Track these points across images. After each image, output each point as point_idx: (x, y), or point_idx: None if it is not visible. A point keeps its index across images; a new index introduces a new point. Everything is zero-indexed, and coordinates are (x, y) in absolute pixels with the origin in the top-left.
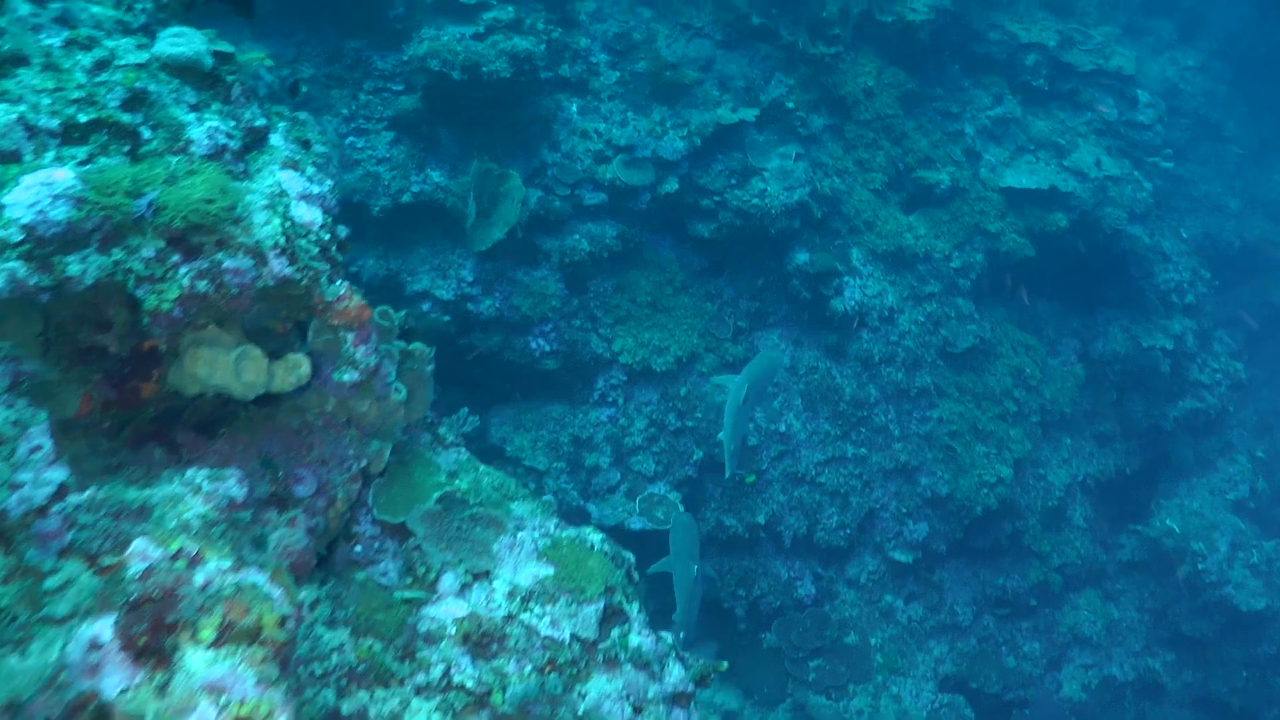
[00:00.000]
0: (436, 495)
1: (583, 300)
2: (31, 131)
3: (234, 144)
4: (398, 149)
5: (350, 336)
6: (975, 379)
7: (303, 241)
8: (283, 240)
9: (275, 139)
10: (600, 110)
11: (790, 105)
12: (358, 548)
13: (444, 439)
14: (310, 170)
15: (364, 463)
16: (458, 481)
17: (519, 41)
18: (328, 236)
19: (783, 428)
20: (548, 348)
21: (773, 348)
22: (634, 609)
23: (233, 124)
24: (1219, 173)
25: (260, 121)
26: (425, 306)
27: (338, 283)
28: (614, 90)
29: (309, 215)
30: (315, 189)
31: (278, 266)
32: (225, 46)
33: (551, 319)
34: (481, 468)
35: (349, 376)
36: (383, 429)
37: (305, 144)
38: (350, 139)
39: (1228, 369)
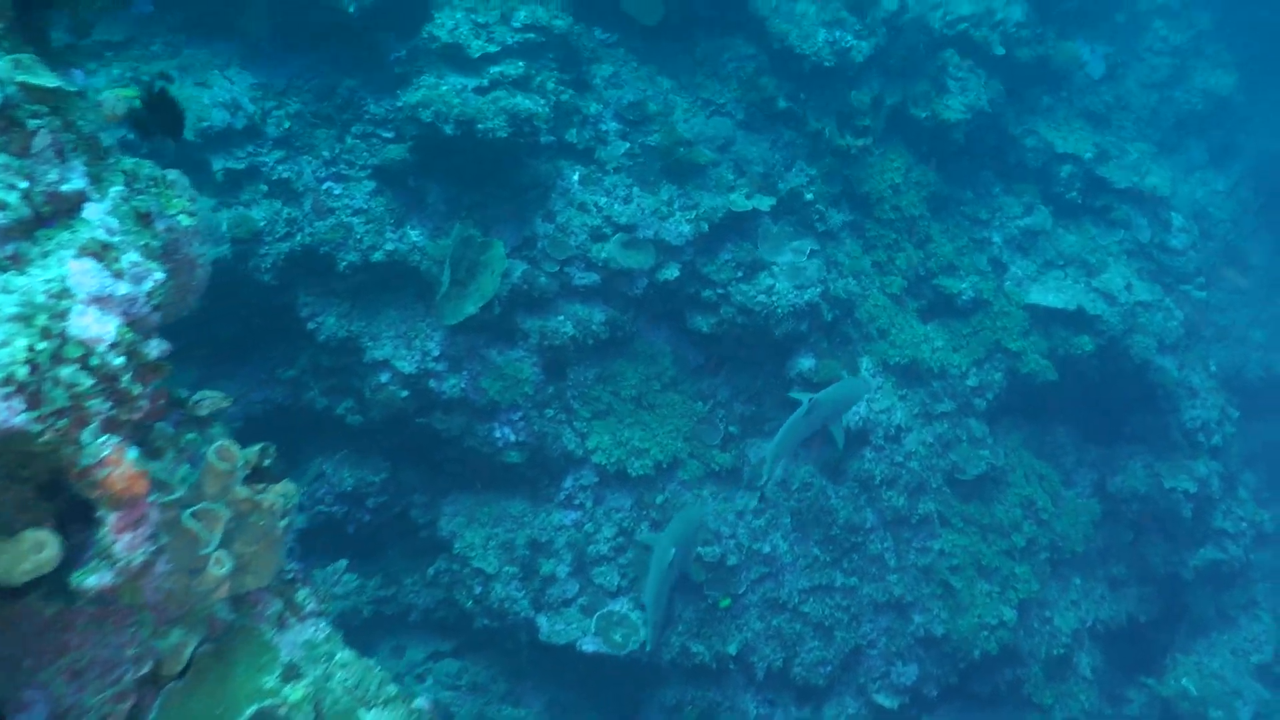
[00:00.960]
0: (251, 712)
1: (559, 388)
2: None
3: (7, 216)
4: (377, 201)
5: (111, 519)
6: (983, 508)
7: (66, 371)
8: (22, 372)
9: (94, 210)
10: (604, 183)
11: (809, 197)
12: None
13: (300, 607)
14: (128, 259)
15: (149, 665)
16: (292, 688)
17: (521, 100)
18: (121, 361)
19: (767, 548)
20: (514, 438)
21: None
22: None
23: (23, 187)
24: (1245, 302)
25: (74, 184)
26: (383, 377)
27: (102, 440)
28: (621, 162)
29: (97, 328)
30: (123, 289)
31: (3, 413)
32: (45, 78)
33: (522, 406)
34: (340, 654)
35: (95, 580)
36: (190, 613)
37: (145, 218)
38: (328, 184)
39: (1253, 518)
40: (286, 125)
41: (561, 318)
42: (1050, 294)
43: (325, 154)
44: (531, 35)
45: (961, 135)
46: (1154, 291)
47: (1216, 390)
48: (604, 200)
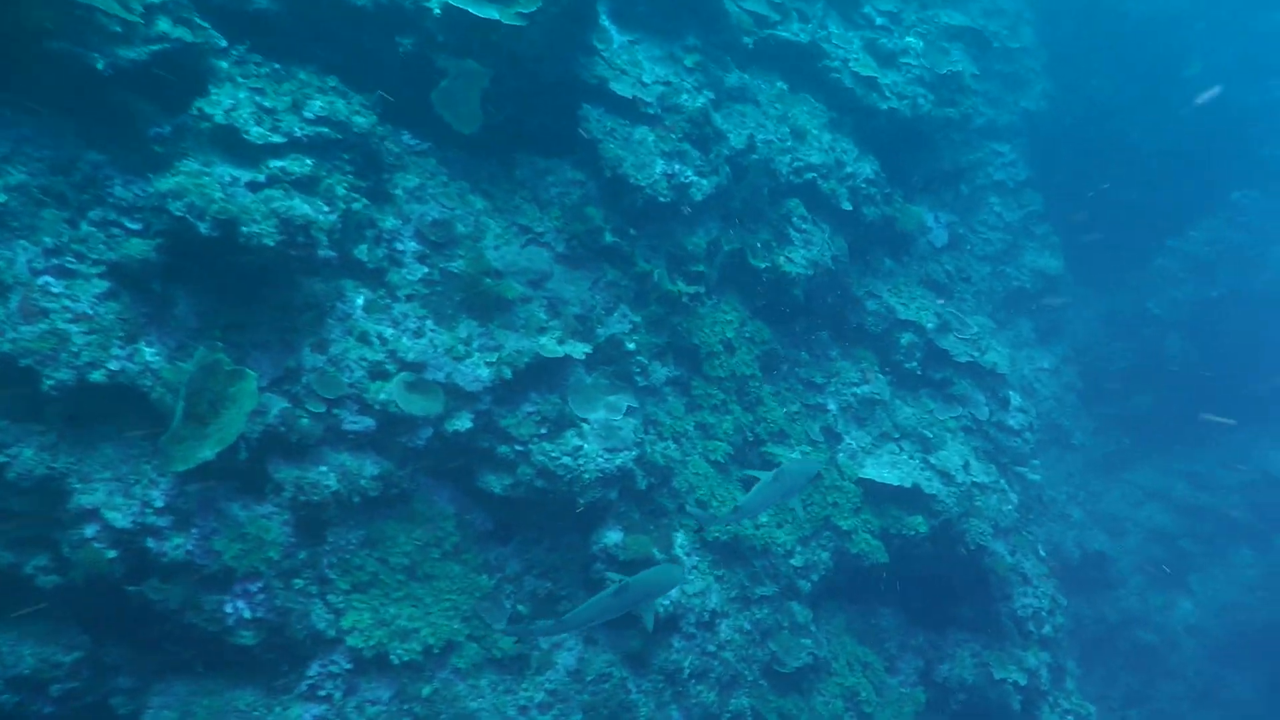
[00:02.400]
0: None
1: (314, 554)
2: None
3: None
4: (108, 306)
5: None
6: (801, 702)
7: None
8: None
9: None
10: (393, 311)
11: (631, 346)
12: None
13: None
14: None
15: None
16: None
17: (299, 204)
18: None
19: None
20: (248, 614)
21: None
22: None
23: None
24: (1065, 479)
25: None
26: (89, 530)
27: None
28: (416, 289)
29: None
30: None
31: None
32: None
33: (264, 575)
34: None
35: None
36: None
37: None
38: (46, 279)
39: (1079, 711)
40: (2, 199)
41: (324, 469)
42: (885, 469)
43: (48, 241)
44: (326, 130)
45: (802, 291)
46: (990, 472)
47: (1047, 576)
48: (390, 332)
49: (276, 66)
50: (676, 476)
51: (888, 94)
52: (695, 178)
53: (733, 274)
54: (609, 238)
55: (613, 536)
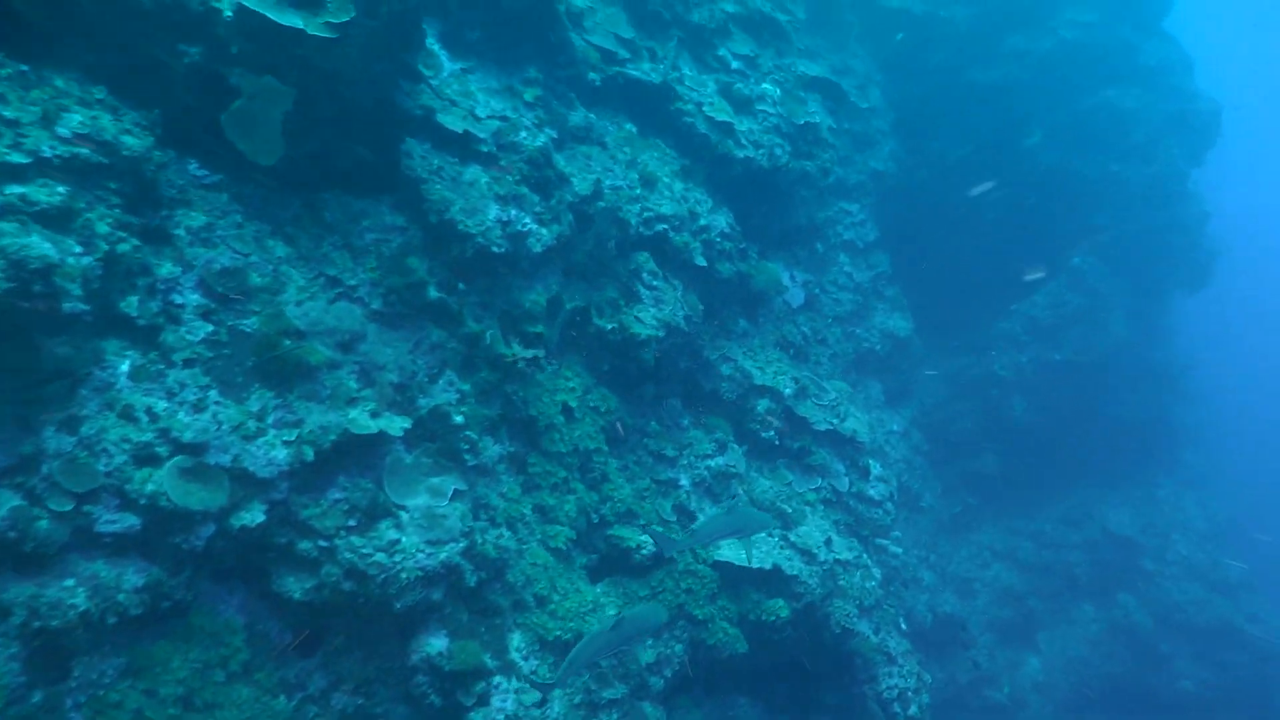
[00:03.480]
0: None
1: (54, 694)
2: None
3: None
4: None
5: None
6: None
7: None
8: None
9: None
10: (167, 379)
11: (459, 419)
12: None
13: None
14: None
15: None
16: None
17: (38, 242)
18: None
19: None
20: None
21: None
22: None
23: None
24: (915, 543)
25: None
26: None
27: None
28: (198, 352)
29: None
30: None
31: None
32: None
33: None
34: None
35: None
36: None
37: None
38: None
39: None
40: None
41: (70, 582)
42: (741, 552)
43: None
44: (86, 151)
45: (652, 354)
46: (853, 547)
47: (911, 653)
48: (163, 405)
49: (24, 68)
50: (512, 569)
51: (744, 142)
52: (534, 226)
53: (576, 335)
54: (434, 293)
55: (436, 644)
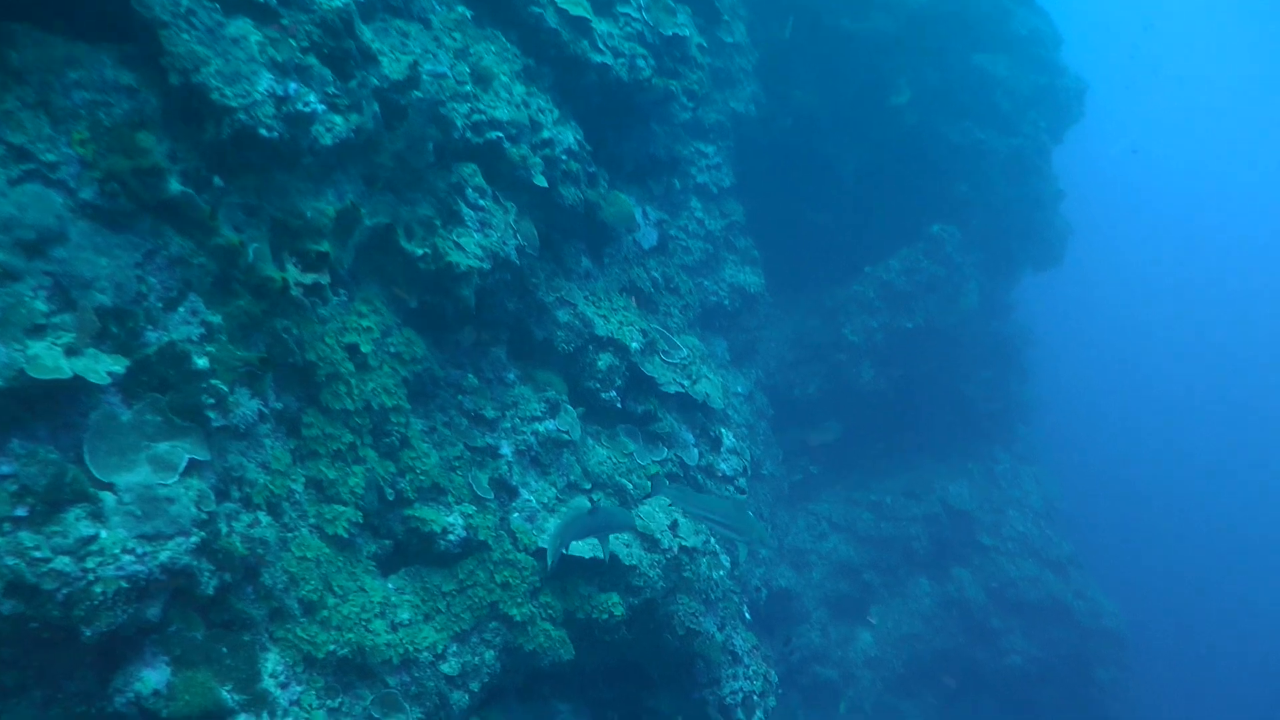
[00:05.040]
0: None
1: None
2: None
3: None
4: None
5: None
6: None
7: None
8: None
9: None
10: None
11: (202, 363)
12: None
13: None
14: None
15: None
16: None
17: None
18: None
19: None
20: None
21: None
22: None
23: None
24: (754, 513)
25: None
26: None
27: None
28: None
29: None
30: None
31: None
32: None
33: None
34: None
35: None
36: None
37: None
38: None
39: None
40: None
41: None
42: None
43: None
44: None
45: (473, 291)
46: (701, 531)
47: (756, 649)
48: None
49: None
50: (271, 567)
51: (601, 46)
52: (324, 110)
53: (376, 260)
54: (176, 186)
55: (152, 677)
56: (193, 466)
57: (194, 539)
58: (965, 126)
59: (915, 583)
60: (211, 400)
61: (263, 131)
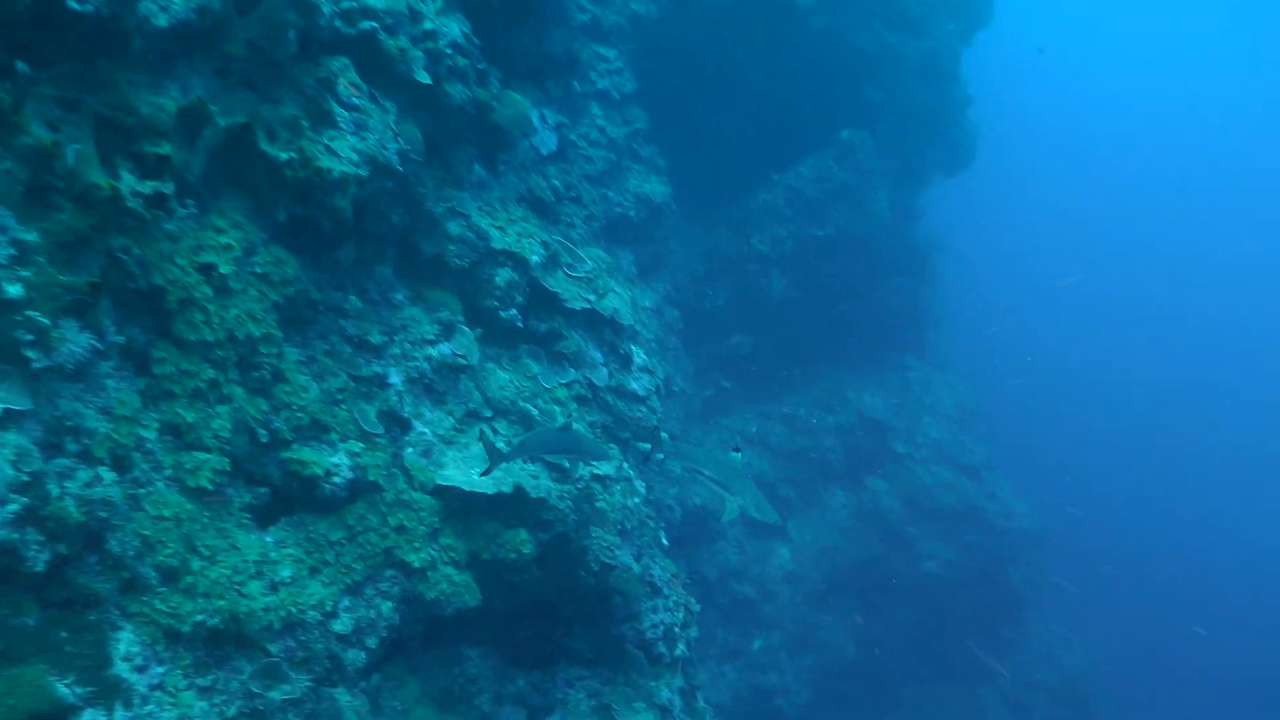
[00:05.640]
0: None
1: None
2: None
3: None
4: None
5: None
6: None
7: None
8: None
9: None
10: None
11: (15, 292)
12: None
13: None
14: None
15: None
16: None
17: None
18: None
19: None
20: None
21: None
22: None
23: None
24: (668, 432)
25: None
26: None
27: None
28: None
29: None
30: None
31: None
32: None
33: None
34: None
35: None
36: None
37: None
38: None
39: None
40: None
41: None
42: (475, 469)
43: None
44: None
45: (349, 202)
46: (613, 456)
47: (676, 578)
48: None
49: None
50: (119, 531)
51: None
52: None
53: (234, 168)
54: None
55: None
56: (9, 418)
57: (12, 507)
58: (875, 29)
59: (831, 494)
60: (29, 336)
61: (73, 4)
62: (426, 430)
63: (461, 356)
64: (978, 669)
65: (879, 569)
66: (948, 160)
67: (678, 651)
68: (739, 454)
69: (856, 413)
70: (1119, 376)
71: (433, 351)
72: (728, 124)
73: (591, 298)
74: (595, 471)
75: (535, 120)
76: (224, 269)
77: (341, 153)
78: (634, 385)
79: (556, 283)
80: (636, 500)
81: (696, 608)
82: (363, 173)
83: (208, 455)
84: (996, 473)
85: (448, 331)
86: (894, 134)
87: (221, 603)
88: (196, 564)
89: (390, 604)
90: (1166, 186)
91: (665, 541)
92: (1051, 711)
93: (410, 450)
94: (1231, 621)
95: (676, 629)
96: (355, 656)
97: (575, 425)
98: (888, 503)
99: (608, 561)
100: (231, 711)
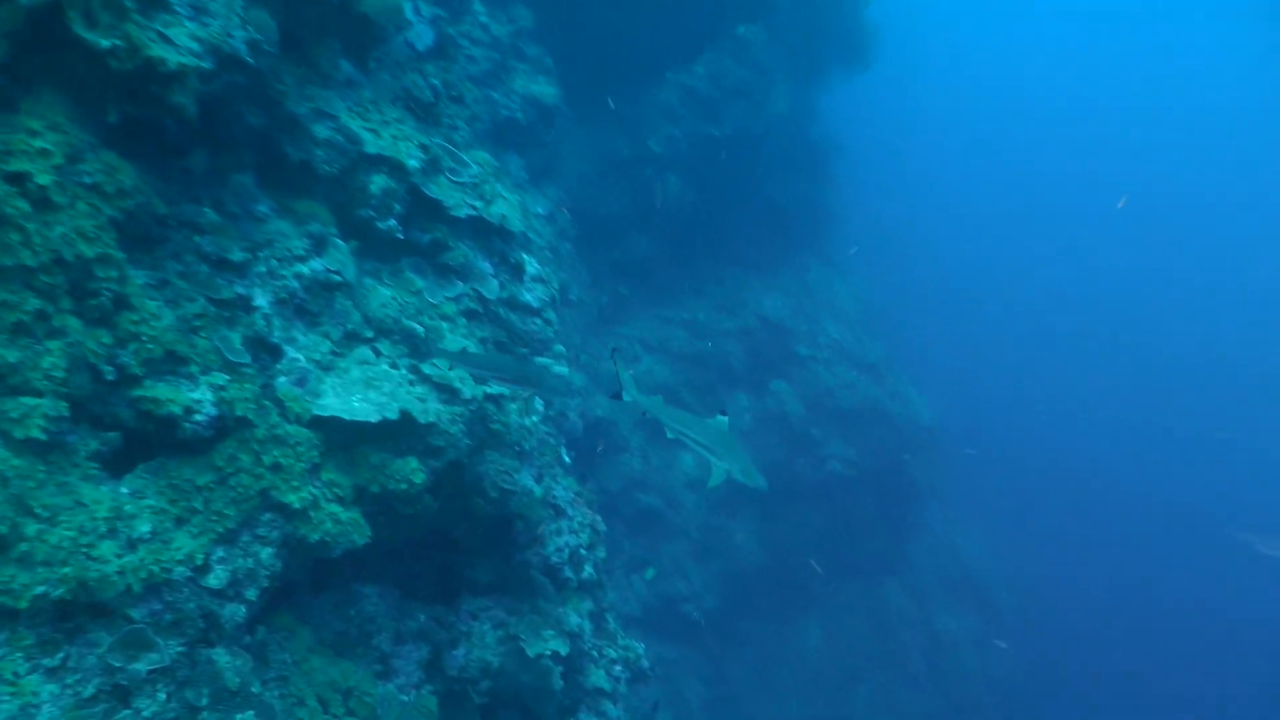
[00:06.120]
0: None
1: None
2: None
3: None
4: None
5: None
6: None
7: None
8: None
9: None
10: None
11: None
12: None
13: None
14: None
15: None
16: None
17: None
18: None
19: None
20: None
21: None
22: None
23: None
24: (565, 342)
25: None
26: None
27: None
28: None
29: None
30: None
31: None
32: None
33: None
34: None
35: None
36: None
37: None
38: None
39: (628, 654)
40: None
41: None
42: (356, 395)
43: None
44: None
45: (191, 99)
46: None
47: (579, 497)
48: None
49: None
50: None
51: None
52: None
53: (47, 58)
54: None
55: None
56: None
57: None
58: None
59: (734, 399)
60: None
61: None
62: (300, 356)
63: (336, 273)
64: (881, 563)
65: (784, 472)
66: (846, 56)
67: (585, 575)
68: (726, 417)
69: (757, 315)
70: (1025, 269)
71: (303, 269)
72: (618, 20)
73: (478, 204)
74: (489, 391)
75: (408, 12)
76: (42, 179)
77: (178, 41)
78: (527, 297)
79: (439, 189)
80: (535, 419)
81: (603, 527)
82: (205, 65)
83: (38, 400)
84: (897, 370)
85: (319, 246)
86: (791, 28)
87: (66, 570)
88: (32, 528)
89: (270, 550)
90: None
91: (567, 458)
92: (953, 600)
93: (283, 379)
94: (1128, 503)
95: (583, 550)
96: (234, 611)
97: (468, 343)
98: (791, 405)
99: (506, 487)
100: (89, 691)
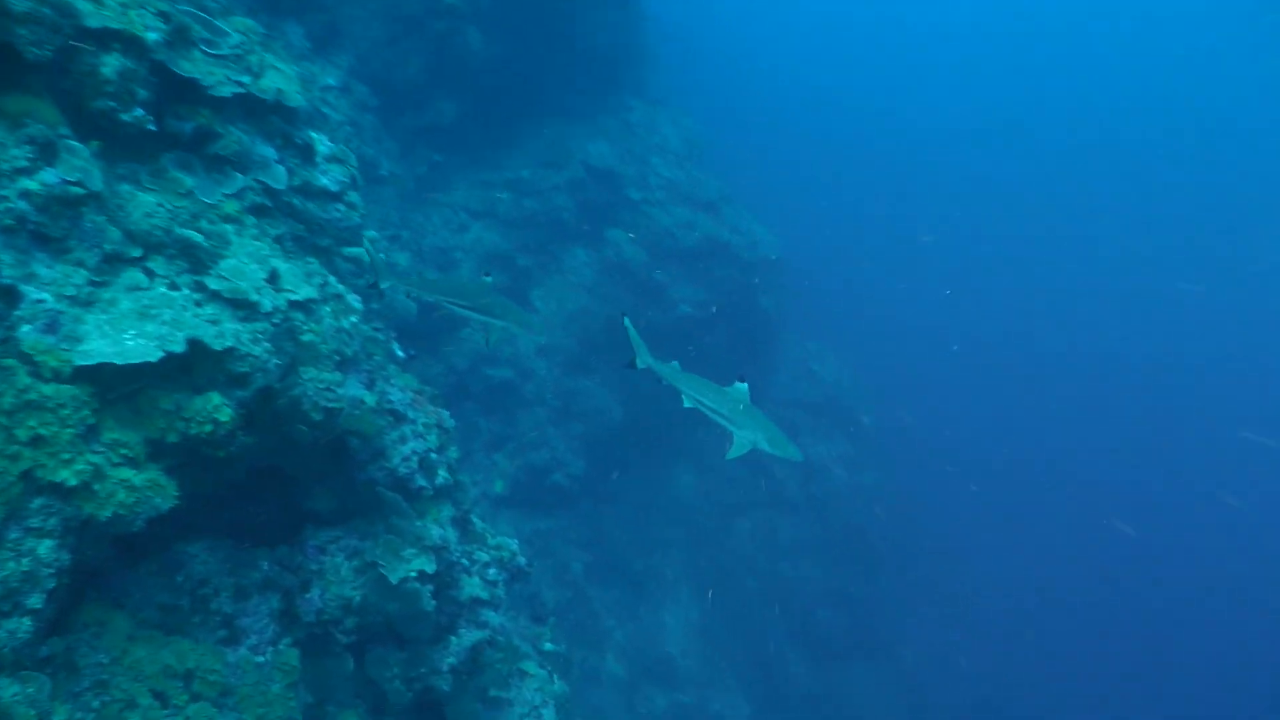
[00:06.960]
0: None
1: None
2: None
3: None
4: None
5: None
6: None
7: None
8: None
9: None
10: None
11: None
12: None
13: None
14: None
15: None
16: None
17: None
18: None
19: None
20: None
21: None
22: None
23: None
24: (382, 221)
25: None
26: None
27: None
28: None
29: None
30: None
31: None
32: None
33: None
34: None
35: None
36: None
37: None
38: None
39: (501, 552)
40: None
41: None
42: (128, 332)
43: None
44: None
45: None
46: (314, 273)
47: (421, 396)
48: None
49: None
50: None
51: None
52: None
53: None
54: None
55: None
56: None
57: None
58: None
59: (572, 255)
60: None
61: None
62: (46, 295)
63: (76, 184)
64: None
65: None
66: None
67: (440, 480)
68: (745, 384)
69: (583, 165)
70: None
71: (30, 183)
72: None
73: (245, 79)
74: (293, 298)
75: None
76: None
77: None
78: (323, 180)
79: (193, 65)
80: (354, 319)
81: (451, 423)
82: None
83: None
84: (736, 205)
85: (48, 152)
86: None
87: None
88: None
89: (50, 542)
90: None
91: (401, 353)
92: (819, 426)
93: (27, 328)
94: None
95: (433, 455)
96: (18, 626)
97: (260, 245)
98: (630, 252)
99: (330, 405)
100: None
